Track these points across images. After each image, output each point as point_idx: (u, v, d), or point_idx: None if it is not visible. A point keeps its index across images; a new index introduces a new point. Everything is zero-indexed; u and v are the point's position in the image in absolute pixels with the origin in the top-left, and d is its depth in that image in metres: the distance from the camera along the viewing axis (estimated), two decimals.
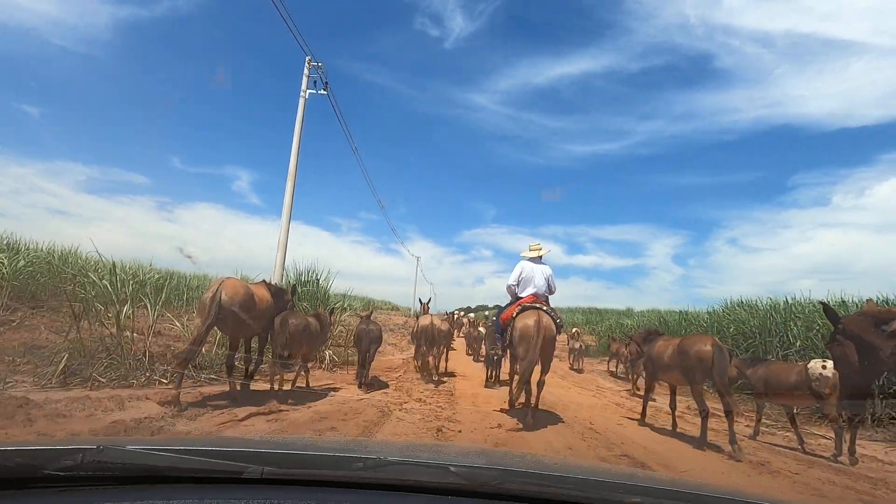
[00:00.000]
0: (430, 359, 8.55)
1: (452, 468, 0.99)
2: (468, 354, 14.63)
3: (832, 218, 62.65)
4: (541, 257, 5.91)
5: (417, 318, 9.49)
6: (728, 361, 5.28)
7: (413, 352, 10.07)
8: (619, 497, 0.96)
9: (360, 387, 6.87)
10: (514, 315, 5.38)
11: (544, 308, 5.30)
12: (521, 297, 5.63)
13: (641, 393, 7.32)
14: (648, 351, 6.04)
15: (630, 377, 10.17)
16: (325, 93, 10.92)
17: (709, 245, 62.96)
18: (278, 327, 5.52)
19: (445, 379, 9.14)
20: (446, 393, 7.36)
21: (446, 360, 10.11)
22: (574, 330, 20.18)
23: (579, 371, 13.94)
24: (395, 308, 40.64)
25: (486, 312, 34.76)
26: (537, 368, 5.27)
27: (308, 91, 10.85)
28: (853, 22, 59.13)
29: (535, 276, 5.69)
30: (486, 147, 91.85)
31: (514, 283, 5.77)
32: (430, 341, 8.26)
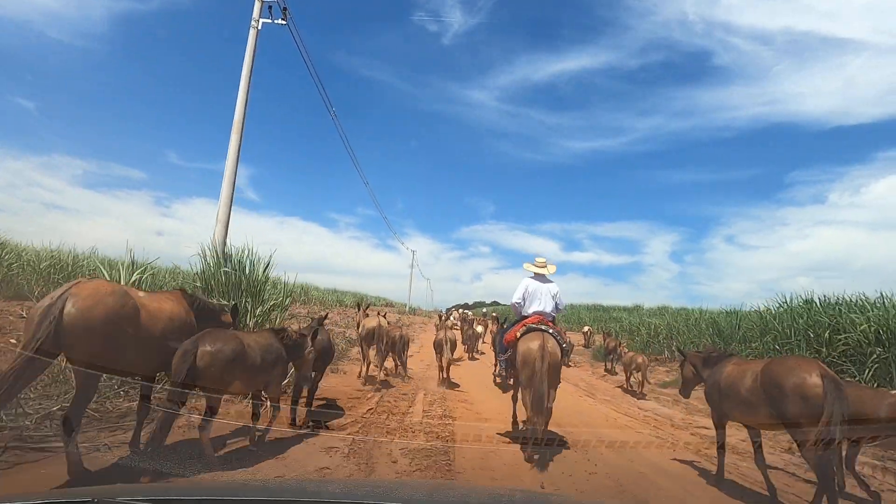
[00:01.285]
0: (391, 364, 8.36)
1: None
2: (466, 352, 14.04)
3: (829, 215, 64.92)
4: (546, 274, 5.62)
5: (360, 321, 8.74)
6: (846, 399, 3.42)
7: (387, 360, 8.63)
8: None
9: (293, 424, 4.83)
10: (517, 336, 5.07)
11: (550, 330, 4.94)
12: (527, 317, 5.36)
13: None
14: (713, 377, 4.27)
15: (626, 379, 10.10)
16: (284, 23, 8.69)
17: (706, 242, 67.30)
18: (178, 359, 3.49)
19: (433, 394, 7.57)
20: (435, 432, 5.31)
21: (446, 372, 8.82)
22: (586, 328, 18.42)
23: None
24: (390, 304, 39.78)
25: (484, 310, 33.69)
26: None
27: (261, 20, 8.52)
28: (852, 20, 59.22)
29: (541, 295, 5.47)
30: (485, 143, 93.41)
31: (520, 301, 5.51)
32: (385, 344, 7.95)
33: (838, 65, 61.32)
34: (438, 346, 8.82)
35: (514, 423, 5.72)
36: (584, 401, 8.82)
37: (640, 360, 9.86)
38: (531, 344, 4.70)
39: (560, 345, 4.85)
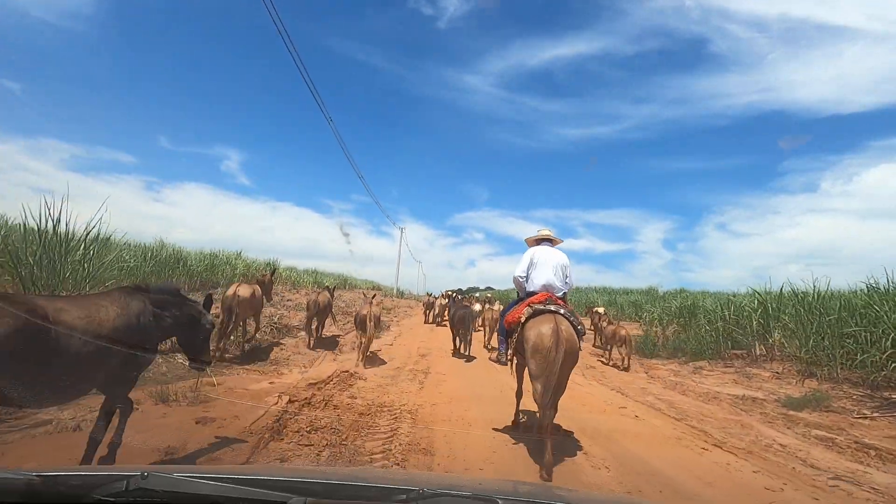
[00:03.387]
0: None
1: (500, 500, 1.02)
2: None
3: (820, 204, 66.22)
4: (552, 242, 4.81)
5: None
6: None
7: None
8: None
9: None
10: (522, 319, 4.18)
11: (562, 311, 4.10)
12: (532, 294, 4.45)
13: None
14: None
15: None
16: None
17: (698, 230, 67.73)
18: None
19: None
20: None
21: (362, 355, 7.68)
22: (599, 310, 15.91)
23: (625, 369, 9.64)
24: (377, 287, 37.92)
25: (478, 294, 32.08)
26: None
27: None
28: (847, 7, 58.52)
29: (549, 266, 4.55)
30: (480, 129, 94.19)
31: (523, 275, 4.62)
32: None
33: (833, 53, 61.18)
34: (361, 324, 8.04)
35: (517, 420, 4.96)
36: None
37: (622, 332, 9.36)
38: (542, 328, 4.00)
39: (575, 327, 4.10)
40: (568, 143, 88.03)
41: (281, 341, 9.00)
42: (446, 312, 19.87)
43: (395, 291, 38.86)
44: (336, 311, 11.98)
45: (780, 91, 68.57)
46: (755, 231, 65.10)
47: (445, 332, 15.09)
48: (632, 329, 14.44)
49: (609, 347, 10.64)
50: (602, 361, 10.73)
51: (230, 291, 7.26)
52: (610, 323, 11.33)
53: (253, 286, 7.74)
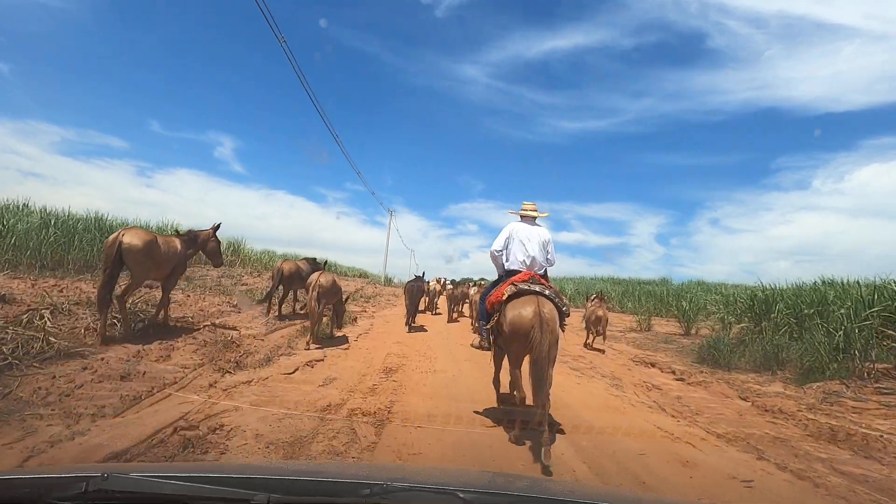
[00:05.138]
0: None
1: (461, 494, 1.00)
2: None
3: (811, 201, 65.52)
4: (535, 218, 4.47)
5: None
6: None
7: None
8: None
9: None
10: (504, 299, 3.87)
11: (546, 292, 3.80)
12: (512, 273, 4.16)
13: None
14: None
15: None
16: None
17: (691, 225, 67.55)
18: None
19: None
20: None
21: None
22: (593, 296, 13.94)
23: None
24: (365, 275, 35.21)
25: (471, 283, 29.74)
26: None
27: None
28: (845, 5, 57.89)
29: (530, 242, 4.29)
30: (475, 120, 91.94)
31: (501, 249, 4.38)
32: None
33: (830, 51, 60.46)
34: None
35: (499, 404, 4.54)
36: None
37: (599, 313, 9.36)
38: (523, 310, 3.65)
39: (559, 308, 3.77)
40: (564, 136, 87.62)
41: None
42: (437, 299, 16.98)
43: (382, 279, 35.42)
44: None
45: (777, 88, 67.51)
46: (747, 227, 65.72)
47: (435, 327, 11.48)
48: (670, 326, 11.56)
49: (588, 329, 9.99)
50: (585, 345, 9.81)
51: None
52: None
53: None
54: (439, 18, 76.46)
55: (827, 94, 65.57)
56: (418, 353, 7.60)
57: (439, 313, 15.93)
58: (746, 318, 9.47)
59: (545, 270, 4.36)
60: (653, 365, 7.80)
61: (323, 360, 6.25)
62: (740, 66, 63.70)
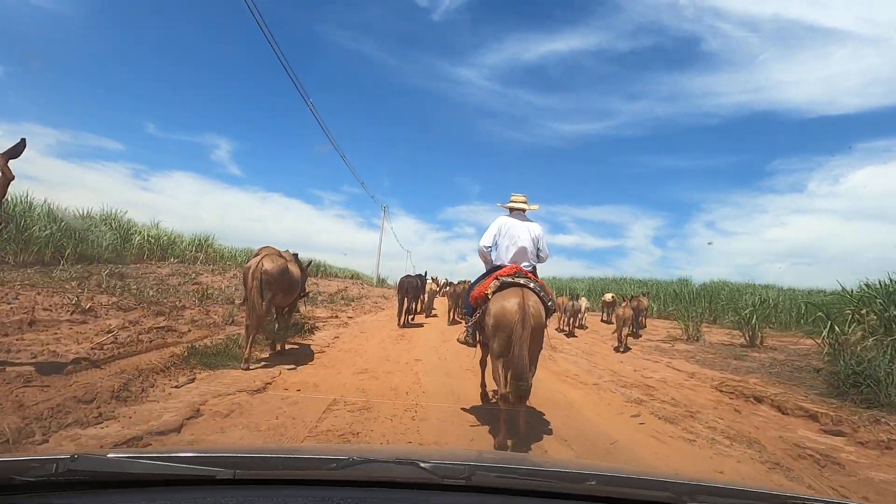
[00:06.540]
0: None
1: (422, 464, 1.01)
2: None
3: (807, 204, 65.28)
4: (525, 212, 4.28)
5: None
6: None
7: None
8: (575, 485, 1.02)
9: None
10: (489, 292, 3.77)
11: (531, 285, 3.70)
12: (499, 267, 4.01)
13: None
14: None
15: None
16: None
17: (688, 228, 67.63)
18: None
19: None
20: None
21: None
22: (609, 296, 14.38)
23: None
24: (356, 276, 33.12)
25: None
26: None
27: None
28: (838, 9, 58.26)
29: (519, 237, 4.10)
30: (472, 123, 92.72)
31: (490, 245, 4.17)
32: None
33: (823, 54, 60.98)
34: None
35: (484, 399, 4.49)
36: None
37: (620, 311, 9.01)
38: (506, 303, 3.56)
39: (544, 302, 3.68)
40: (561, 139, 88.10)
41: None
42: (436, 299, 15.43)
43: (374, 279, 32.86)
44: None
45: (771, 91, 67.50)
46: (742, 230, 65.91)
47: (428, 336, 8.80)
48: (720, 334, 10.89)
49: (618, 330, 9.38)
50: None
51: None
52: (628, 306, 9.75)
53: None
54: (436, 21, 76.74)
55: (821, 98, 66.80)
56: (388, 412, 3.99)
57: (436, 315, 13.56)
58: (872, 327, 6.79)
59: (534, 267, 4.24)
60: (758, 400, 5.18)
61: (263, 388, 3.57)
62: (735, 69, 64.38)
